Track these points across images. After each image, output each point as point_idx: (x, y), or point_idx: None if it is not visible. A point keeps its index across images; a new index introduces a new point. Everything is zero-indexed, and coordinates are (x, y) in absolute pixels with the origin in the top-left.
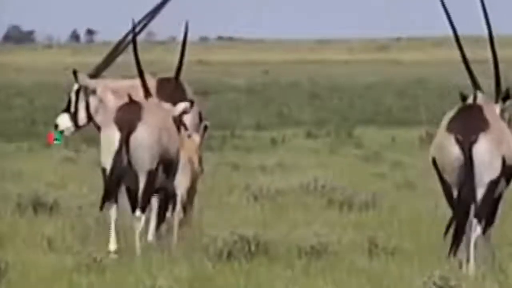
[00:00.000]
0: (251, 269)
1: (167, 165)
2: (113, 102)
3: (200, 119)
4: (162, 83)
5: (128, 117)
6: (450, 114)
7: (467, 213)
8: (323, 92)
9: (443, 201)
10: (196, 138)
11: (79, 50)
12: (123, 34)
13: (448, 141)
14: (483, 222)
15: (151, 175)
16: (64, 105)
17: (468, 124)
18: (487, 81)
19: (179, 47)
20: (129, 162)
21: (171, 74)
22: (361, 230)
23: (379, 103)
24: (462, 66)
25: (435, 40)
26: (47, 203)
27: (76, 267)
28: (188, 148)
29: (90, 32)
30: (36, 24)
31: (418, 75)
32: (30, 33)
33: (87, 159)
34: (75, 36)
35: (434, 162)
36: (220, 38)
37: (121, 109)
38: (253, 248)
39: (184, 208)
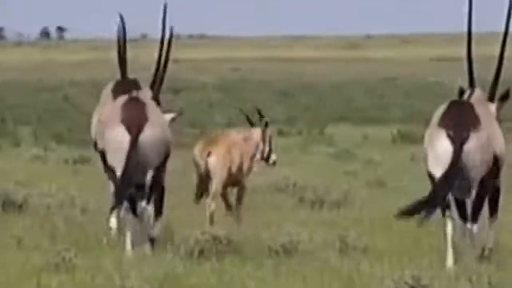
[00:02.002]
0: (222, 268)
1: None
2: None
3: None
4: (119, 84)
5: (136, 116)
6: (441, 108)
7: (444, 197)
8: (294, 90)
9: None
10: (236, 135)
11: (50, 47)
12: (94, 31)
13: (439, 136)
14: (481, 217)
15: (159, 170)
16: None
17: (460, 121)
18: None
19: (152, 45)
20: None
21: (140, 72)
22: (333, 228)
23: (350, 101)
24: (432, 64)
25: (405, 38)
26: (16, 202)
27: (45, 266)
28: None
29: (60, 29)
30: (5, 21)
31: (388, 73)
32: (0, 30)
33: (57, 158)
34: (45, 33)
35: (424, 156)
36: (191, 36)
37: (126, 107)
38: (224, 247)
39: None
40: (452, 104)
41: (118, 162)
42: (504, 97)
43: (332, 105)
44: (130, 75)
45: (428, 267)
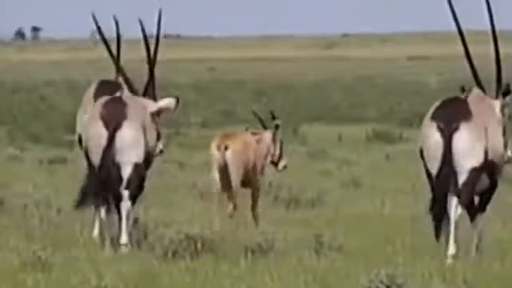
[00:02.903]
0: (197, 268)
1: (148, 156)
2: None
3: None
4: (101, 84)
5: (114, 114)
6: (436, 105)
7: (444, 200)
8: (269, 90)
9: (389, 199)
10: (250, 135)
11: (25, 48)
12: (69, 31)
13: (430, 128)
14: (468, 205)
15: (138, 167)
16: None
17: (451, 113)
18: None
19: (127, 46)
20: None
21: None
22: (308, 228)
23: (326, 100)
24: (408, 63)
25: (381, 37)
26: None
27: (21, 266)
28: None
29: (35, 29)
30: None
31: (365, 72)
32: None
33: (33, 158)
34: (20, 34)
35: (421, 153)
36: (166, 36)
37: (106, 105)
38: (199, 246)
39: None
40: (445, 100)
41: (96, 159)
42: (505, 93)
43: (307, 105)
44: (105, 75)
45: (402, 265)
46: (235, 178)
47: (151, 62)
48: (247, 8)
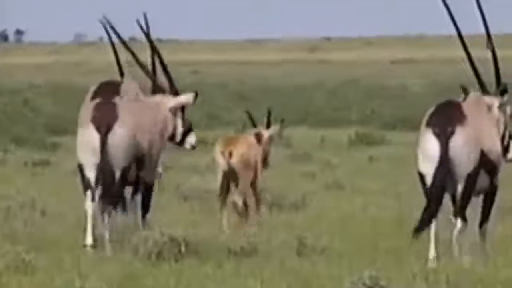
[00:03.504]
0: (181, 270)
1: (141, 159)
2: None
3: None
4: (100, 86)
5: (105, 116)
6: (430, 110)
7: (439, 202)
8: (252, 93)
9: (372, 202)
10: (251, 137)
11: (8, 50)
12: (53, 34)
13: (426, 134)
14: (466, 216)
15: (126, 171)
16: None
17: (446, 118)
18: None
19: (109, 49)
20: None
21: (99, 75)
22: (291, 230)
23: (309, 104)
24: (391, 66)
25: (365, 40)
26: None
27: (5, 268)
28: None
29: (19, 32)
30: None
31: (348, 75)
32: None
33: (16, 160)
34: (3, 36)
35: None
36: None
37: (98, 108)
38: (183, 248)
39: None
40: (440, 105)
41: (88, 161)
42: (503, 93)
43: (291, 108)
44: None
45: (385, 267)
46: (245, 182)
47: (161, 62)
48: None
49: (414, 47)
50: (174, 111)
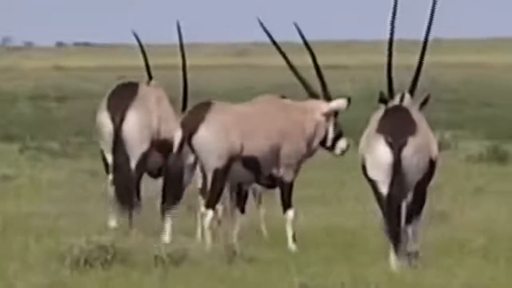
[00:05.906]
0: (108, 277)
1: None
2: None
3: None
4: (118, 86)
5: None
6: (378, 114)
7: (398, 214)
8: (181, 97)
9: (302, 209)
10: None
11: None
12: (38, 38)
13: (378, 142)
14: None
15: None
16: None
17: (397, 126)
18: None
19: (37, 54)
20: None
21: (27, 80)
22: (220, 237)
23: None
24: (323, 72)
25: (293, 45)
26: None
27: None
28: None
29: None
30: None
31: (277, 81)
32: None
33: None
34: None
35: (363, 166)
36: (76, 43)
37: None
38: (110, 256)
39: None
40: (389, 110)
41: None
42: (423, 103)
43: None
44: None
45: (315, 275)
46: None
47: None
48: (158, 15)
49: (346, 52)
50: (327, 116)
